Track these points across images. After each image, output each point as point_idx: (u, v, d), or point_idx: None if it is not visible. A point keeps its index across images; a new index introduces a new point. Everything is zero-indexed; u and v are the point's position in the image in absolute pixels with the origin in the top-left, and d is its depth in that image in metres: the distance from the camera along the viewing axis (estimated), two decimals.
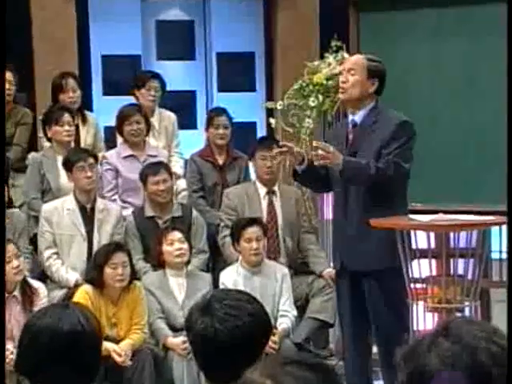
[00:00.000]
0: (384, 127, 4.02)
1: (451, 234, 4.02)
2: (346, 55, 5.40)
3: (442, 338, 1.35)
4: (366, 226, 3.91)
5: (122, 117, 5.28)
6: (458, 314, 4.02)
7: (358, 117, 4.09)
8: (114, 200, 5.21)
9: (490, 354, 1.31)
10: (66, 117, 5.14)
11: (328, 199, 5.62)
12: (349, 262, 4.08)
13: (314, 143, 3.93)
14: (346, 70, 4.08)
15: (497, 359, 1.30)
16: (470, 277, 4.00)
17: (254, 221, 4.81)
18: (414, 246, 3.93)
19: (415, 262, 3.94)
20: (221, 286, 4.68)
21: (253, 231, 4.73)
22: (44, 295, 4.48)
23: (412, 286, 3.93)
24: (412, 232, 3.91)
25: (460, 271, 4.04)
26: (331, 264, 5.25)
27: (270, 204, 5.17)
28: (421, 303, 3.97)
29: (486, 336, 1.34)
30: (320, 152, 3.87)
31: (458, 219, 3.95)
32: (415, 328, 3.94)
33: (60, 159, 5.05)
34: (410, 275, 3.89)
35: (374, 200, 3.99)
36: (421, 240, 3.99)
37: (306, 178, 4.15)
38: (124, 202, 5.24)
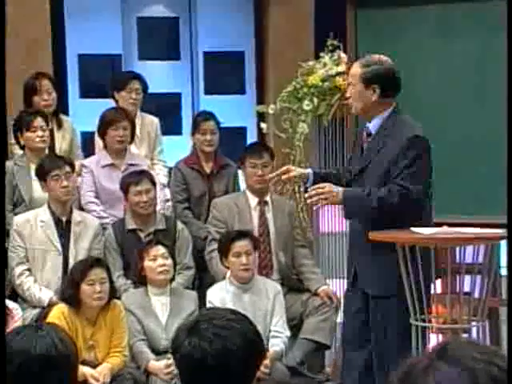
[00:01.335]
0: (395, 143, 4.01)
1: (457, 249, 4.03)
2: (342, 55, 5.43)
3: (440, 360, 1.36)
4: (375, 248, 3.94)
5: (108, 121, 5.27)
6: (465, 335, 4.03)
7: (372, 126, 4.11)
8: (94, 203, 5.20)
9: (490, 376, 1.32)
10: (39, 121, 5.13)
11: (324, 211, 5.64)
12: (360, 280, 4.11)
13: (307, 195, 3.94)
14: (348, 83, 4.17)
15: (498, 382, 1.31)
16: (477, 295, 4.01)
17: (243, 234, 4.81)
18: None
19: None
20: (208, 305, 4.68)
21: (242, 245, 4.73)
22: (19, 317, 4.47)
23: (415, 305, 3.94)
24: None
25: (466, 289, 4.05)
26: (327, 281, 5.27)
27: (262, 215, 5.18)
28: (424, 324, 3.97)
29: (485, 358, 1.35)
30: (313, 195, 3.89)
31: (463, 232, 3.96)
32: (419, 350, 3.94)
33: (33, 168, 5.04)
34: (414, 296, 3.89)
35: (384, 223, 3.98)
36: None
37: None
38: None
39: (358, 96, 4.05)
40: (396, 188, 3.94)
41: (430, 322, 3.97)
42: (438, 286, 4.05)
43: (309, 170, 4.24)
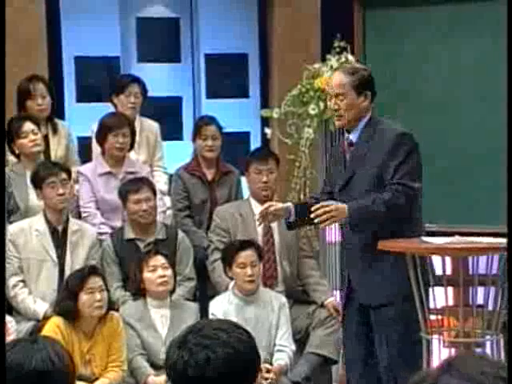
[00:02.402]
0: (380, 145, 4.05)
1: (469, 259, 4.04)
2: (350, 57, 5.45)
3: (448, 374, 1.39)
4: (370, 257, 3.97)
5: (108, 127, 5.27)
6: (478, 350, 4.04)
7: (353, 135, 4.14)
8: (95, 215, 5.21)
9: None
10: (28, 126, 5.14)
11: None
12: (356, 293, 4.14)
13: (317, 219, 3.94)
14: (334, 95, 4.11)
15: None
16: (490, 307, 4.02)
17: (248, 243, 4.82)
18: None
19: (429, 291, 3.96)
20: (210, 317, 4.69)
21: (247, 255, 4.75)
22: (13, 330, 4.48)
23: (426, 317, 3.95)
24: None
25: (480, 301, 4.05)
26: (334, 292, 5.28)
27: (267, 224, 5.18)
28: (436, 337, 3.98)
29: (493, 372, 1.39)
30: (322, 214, 3.92)
31: (477, 242, 3.97)
32: (430, 366, 3.95)
33: (29, 175, 5.05)
34: (425, 305, 3.91)
35: (375, 232, 4.01)
36: (435, 265, 4.01)
37: (301, 225, 4.33)
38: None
39: (352, 105, 4.06)
40: (400, 188, 3.95)
41: (441, 335, 3.97)
42: (440, 295, 4.05)
43: (289, 204, 4.26)
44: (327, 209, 3.93)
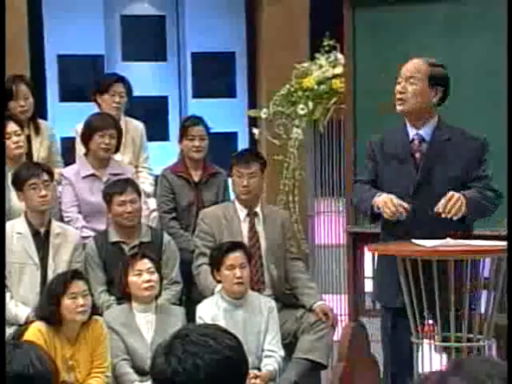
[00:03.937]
0: (463, 149, 4.11)
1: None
2: (339, 56, 5.47)
3: (454, 376, 1.44)
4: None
5: (95, 127, 5.28)
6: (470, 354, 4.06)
7: (424, 132, 4.15)
8: (77, 219, 5.21)
9: None
10: (12, 127, 5.14)
11: (319, 221, 5.67)
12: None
13: (444, 214, 3.91)
14: (404, 78, 4.15)
15: None
16: (482, 311, 4.04)
17: (237, 245, 4.83)
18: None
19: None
20: (198, 321, 4.70)
21: (236, 257, 4.76)
22: None
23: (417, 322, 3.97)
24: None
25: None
26: (323, 296, 5.29)
27: (252, 228, 5.19)
28: (426, 342, 4.00)
29: (498, 374, 1.42)
30: (451, 207, 3.92)
31: (468, 244, 3.99)
32: (421, 371, 3.97)
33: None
34: (416, 310, 3.93)
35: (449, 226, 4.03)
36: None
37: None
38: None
39: (420, 94, 4.10)
40: (491, 188, 4.10)
41: (432, 339, 3.99)
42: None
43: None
44: (454, 200, 3.91)
